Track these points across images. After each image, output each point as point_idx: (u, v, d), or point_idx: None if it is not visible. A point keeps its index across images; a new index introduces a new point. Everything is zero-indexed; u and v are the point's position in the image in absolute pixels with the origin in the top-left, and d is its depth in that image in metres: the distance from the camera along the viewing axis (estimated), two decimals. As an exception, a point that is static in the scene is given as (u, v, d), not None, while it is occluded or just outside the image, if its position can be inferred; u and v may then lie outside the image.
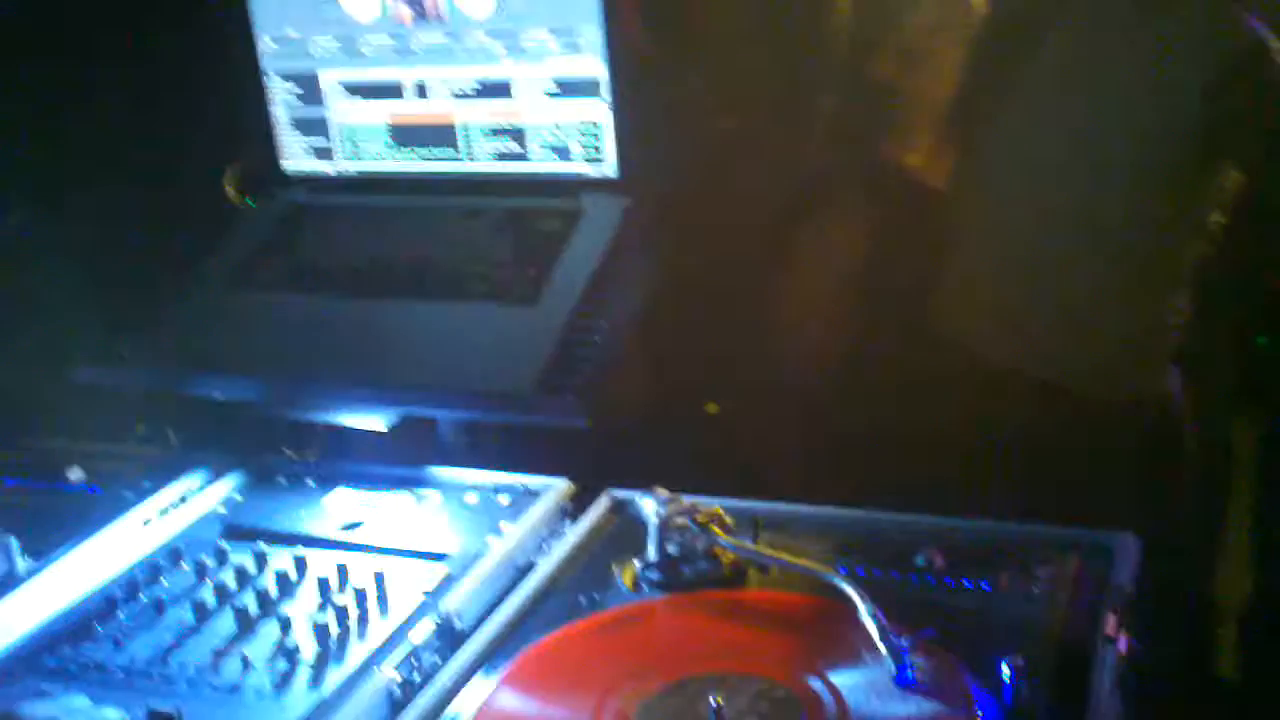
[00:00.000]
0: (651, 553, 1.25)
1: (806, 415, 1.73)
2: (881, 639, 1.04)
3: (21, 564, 1.34)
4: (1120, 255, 1.77)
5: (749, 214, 1.78)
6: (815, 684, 1.04)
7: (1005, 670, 0.99)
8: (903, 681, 1.01)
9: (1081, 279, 1.77)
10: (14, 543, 1.35)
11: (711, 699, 1.00)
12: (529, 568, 1.32)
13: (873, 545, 1.27)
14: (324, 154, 1.78)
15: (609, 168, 1.65)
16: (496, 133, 1.69)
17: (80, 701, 1.01)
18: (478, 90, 1.68)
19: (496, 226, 1.66)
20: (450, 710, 1.09)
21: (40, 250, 1.96)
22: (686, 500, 1.27)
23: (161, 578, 1.32)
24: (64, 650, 1.21)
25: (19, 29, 1.89)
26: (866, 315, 1.84)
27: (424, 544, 1.35)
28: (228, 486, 1.52)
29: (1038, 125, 1.82)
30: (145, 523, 1.44)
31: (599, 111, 1.63)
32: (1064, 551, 1.22)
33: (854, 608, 1.09)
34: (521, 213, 1.66)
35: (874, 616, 1.06)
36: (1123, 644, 1.06)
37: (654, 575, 1.24)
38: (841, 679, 1.04)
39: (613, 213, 1.63)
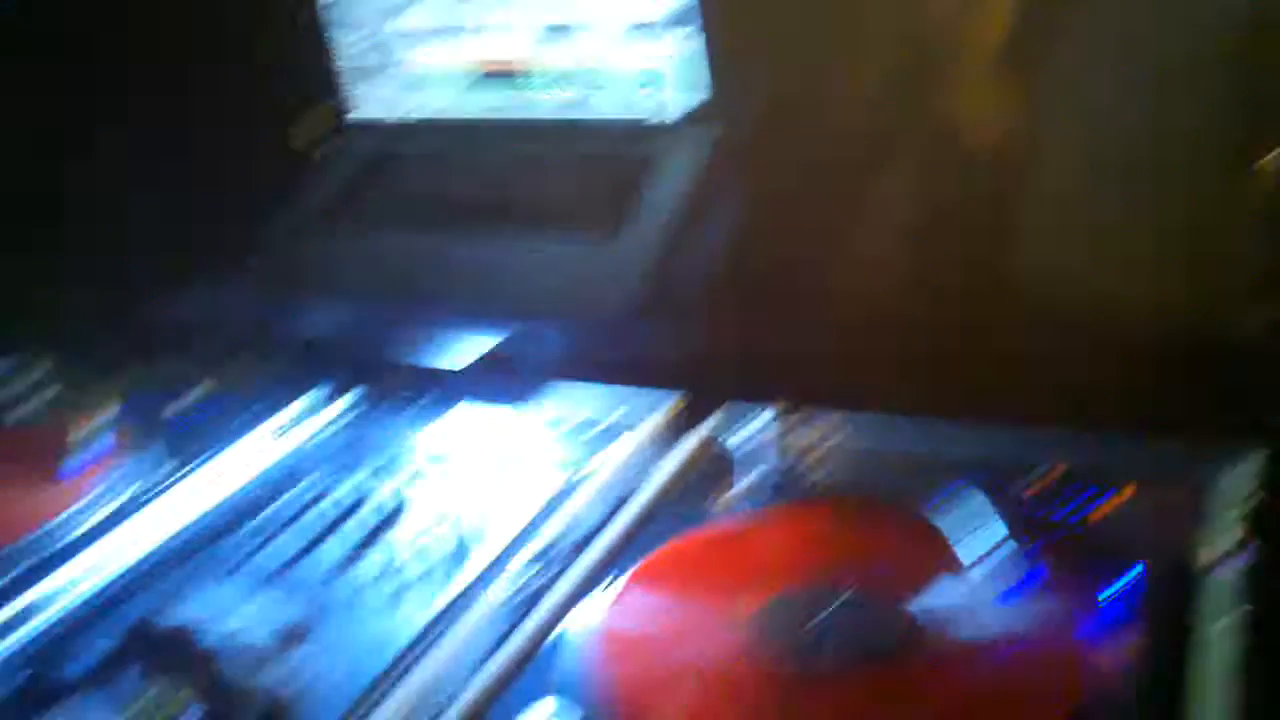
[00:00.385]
0: (753, 471, 1.29)
1: (901, 340, 1.74)
2: (990, 553, 1.06)
3: (148, 479, 1.40)
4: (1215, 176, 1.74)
5: (832, 148, 1.78)
6: (919, 600, 1.07)
7: (1119, 584, 1.01)
8: (1012, 595, 1.03)
9: (1179, 198, 1.75)
10: (141, 458, 1.41)
11: (822, 609, 1.04)
12: (631, 489, 1.36)
13: (982, 460, 1.28)
14: (395, 100, 1.80)
15: (692, 101, 1.66)
16: (573, 71, 1.70)
17: (217, 603, 1.06)
18: (551, 33, 1.69)
19: (577, 163, 1.67)
20: (567, 622, 1.13)
21: (144, 185, 2.02)
22: (792, 417, 1.30)
23: (278, 497, 1.37)
24: (195, 559, 1.27)
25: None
26: (955, 243, 1.83)
27: (527, 467, 1.40)
28: (335, 412, 1.57)
29: (1116, 50, 1.80)
30: (263, 442, 1.50)
31: (682, 44, 1.63)
32: (1185, 466, 1.21)
33: (956, 525, 1.12)
34: (604, 147, 1.68)
35: (978, 532, 1.09)
36: (1245, 558, 1.06)
37: (755, 493, 1.28)
38: (945, 595, 1.07)
39: (697, 146, 1.64)
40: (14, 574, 1.24)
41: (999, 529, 1.10)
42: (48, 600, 1.22)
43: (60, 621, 1.19)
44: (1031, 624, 1.02)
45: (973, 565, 1.07)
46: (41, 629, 1.18)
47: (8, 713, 1.09)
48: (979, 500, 1.22)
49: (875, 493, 1.25)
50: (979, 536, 1.09)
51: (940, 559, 1.11)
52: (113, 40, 1.97)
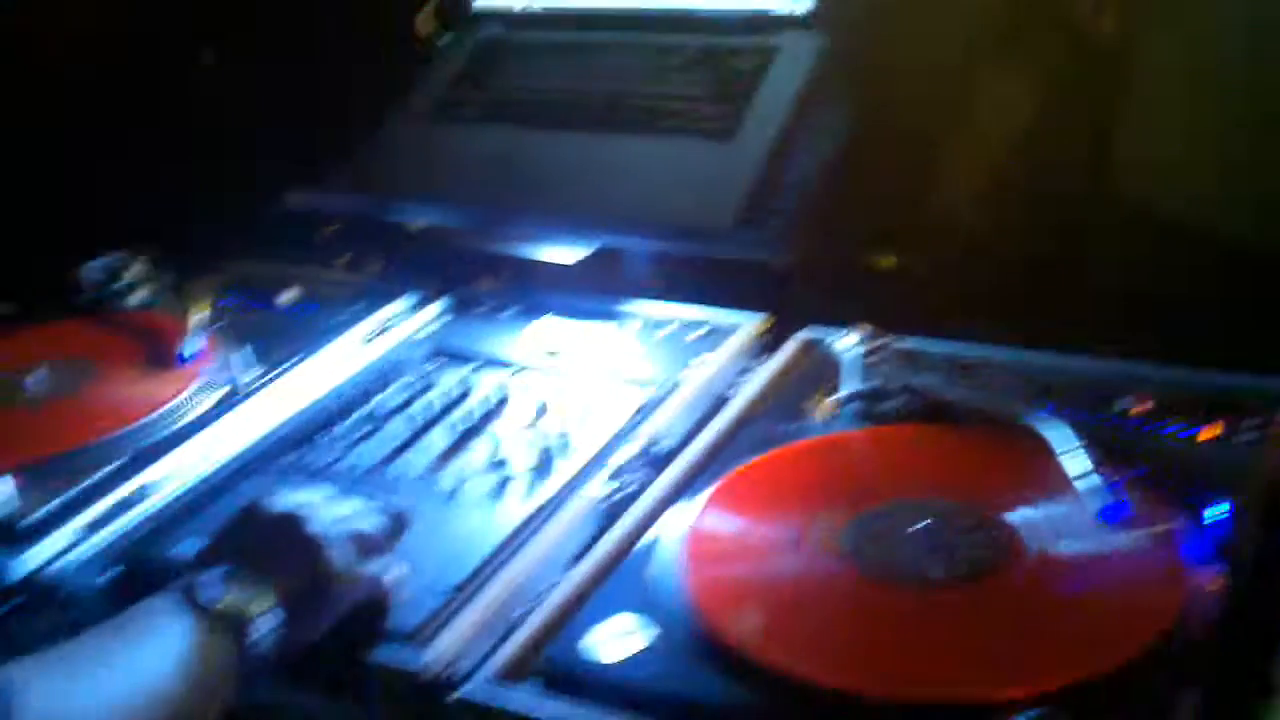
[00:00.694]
0: (849, 387, 1.28)
1: (1000, 262, 1.72)
2: (1083, 476, 1.06)
3: (248, 375, 1.43)
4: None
5: (943, 56, 1.75)
6: (1014, 515, 1.07)
7: (1213, 512, 1.00)
8: (1106, 518, 1.03)
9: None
10: (241, 355, 1.44)
11: (916, 522, 1.04)
12: (725, 399, 1.37)
13: (1072, 389, 1.27)
14: (516, -10, 1.81)
15: (807, 4, 1.64)
16: (691, -34, 1.69)
17: (320, 494, 1.08)
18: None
19: (693, 62, 1.66)
20: (655, 529, 1.14)
21: (245, 84, 2.03)
22: (883, 338, 1.30)
23: (378, 393, 1.40)
24: (294, 455, 1.30)
25: None
26: (1059, 164, 1.80)
27: (623, 372, 1.41)
28: (434, 311, 1.59)
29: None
30: (360, 343, 1.52)
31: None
32: (1273, 400, 1.20)
33: (1053, 447, 1.11)
34: (718, 48, 1.66)
35: (1076, 454, 1.08)
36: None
37: (850, 409, 1.28)
38: (1041, 512, 1.07)
39: (810, 50, 1.62)
40: (118, 462, 1.28)
41: (1097, 451, 1.09)
42: (147, 491, 1.25)
43: (156, 515, 1.22)
44: (1127, 545, 1.02)
45: (1071, 484, 1.07)
46: (138, 521, 1.22)
47: (102, 604, 1.12)
48: (1077, 422, 1.21)
49: (972, 414, 1.25)
50: (1078, 457, 1.08)
51: (1039, 477, 1.10)
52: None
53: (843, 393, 1.29)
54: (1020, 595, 0.99)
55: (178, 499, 1.24)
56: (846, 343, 1.30)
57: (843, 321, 1.33)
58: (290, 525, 1.01)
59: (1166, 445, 1.18)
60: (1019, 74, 1.82)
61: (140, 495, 1.24)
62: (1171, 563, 0.99)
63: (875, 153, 1.64)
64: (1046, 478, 1.10)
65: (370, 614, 1.03)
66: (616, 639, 0.99)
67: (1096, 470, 1.06)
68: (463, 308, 1.60)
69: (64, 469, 1.26)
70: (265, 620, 0.95)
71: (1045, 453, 1.11)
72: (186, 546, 1.15)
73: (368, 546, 1.03)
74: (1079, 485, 1.06)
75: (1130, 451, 1.15)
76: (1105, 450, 1.10)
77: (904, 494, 1.11)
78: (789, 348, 1.42)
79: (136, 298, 1.63)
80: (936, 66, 1.74)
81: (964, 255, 1.62)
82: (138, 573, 1.13)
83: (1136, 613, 0.94)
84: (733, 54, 1.66)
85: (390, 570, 1.05)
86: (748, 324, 1.47)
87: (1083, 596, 0.98)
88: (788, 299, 1.52)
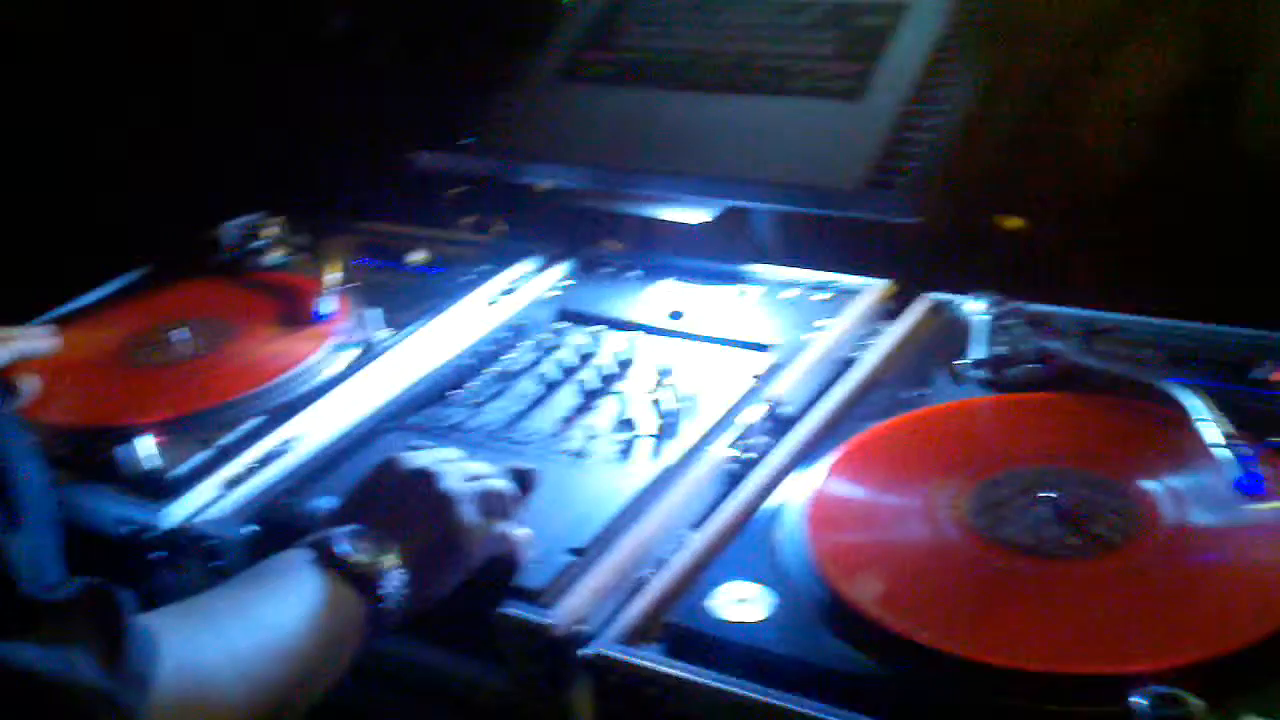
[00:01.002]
0: (978, 352, 1.27)
1: (1131, 230, 1.68)
2: (1219, 445, 1.04)
3: (381, 334, 1.47)
4: None
5: (1076, 17, 1.71)
6: (1150, 485, 1.05)
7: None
8: (1244, 486, 1.01)
9: None
10: (373, 314, 1.48)
11: (1046, 490, 1.03)
12: (850, 362, 1.36)
13: (1206, 357, 1.25)
14: (644, -51, 1.80)
15: (936, -37, 1.61)
16: (820, -75, 1.67)
17: (452, 452, 1.11)
18: (802, -118, 1.66)
19: (820, 21, 1.64)
20: (779, 493, 1.15)
21: (374, 47, 2.07)
22: (1012, 303, 1.28)
23: (506, 353, 1.42)
24: (426, 413, 1.33)
25: None
26: (1190, 129, 1.75)
27: (747, 335, 1.41)
28: (559, 273, 1.60)
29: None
30: (488, 303, 1.54)
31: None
32: None
33: (1188, 415, 1.09)
34: (847, 7, 1.64)
35: (1212, 421, 1.06)
36: None
37: (980, 374, 1.26)
38: (1178, 482, 1.05)
39: (939, 8, 1.59)
40: (256, 420, 1.32)
41: (1233, 420, 1.06)
42: (284, 447, 1.29)
43: (293, 471, 1.26)
44: (1263, 517, 1.00)
45: (1206, 454, 1.04)
46: (276, 477, 1.26)
47: (241, 556, 1.16)
48: (1212, 390, 1.18)
49: (1104, 381, 1.23)
50: (1213, 426, 1.06)
51: (1173, 445, 1.08)
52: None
53: (970, 358, 1.28)
54: (1152, 567, 0.97)
55: (313, 455, 1.28)
56: (974, 307, 1.29)
57: (970, 286, 1.31)
58: (421, 483, 1.04)
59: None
60: (1152, 37, 1.76)
61: (277, 452, 1.28)
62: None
63: (1005, 115, 1.61)
64: (1181, 447, 1.08)
65: (498, 571, 1.05)
66: (740, 603, 0.99)
67: (1232, 439, 1.04)
68: (589, 269, 1.61)
69: (205, 425, 1.31)
70: (395, 576, 0.98)
71: (1179, 421, 1.09)
72: (321, 502, 1.18)
73: (497, 505, 1.06)
74: (1215, 454, 1.04)
75: (1267, 421, 1.11)
76: (1241, 419, 1.08)
77: (1032, 461, 1.10)
78: (915, 311, 1.41)
79: (272, 258, 1.68)
80: (1069, 28, 1.70)
81: (1094, 221, 1.58)
82: (274, 527, 1.17)
83: (1271, 588, 0.92)
84: (862, 12, 1.64)
85: (518, 529, 1.07)
86: (874, 287, 1.46)
87: (1216, 570, 0.96)
88: (915, 262, 1.50)
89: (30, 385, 1.38)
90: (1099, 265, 1.55)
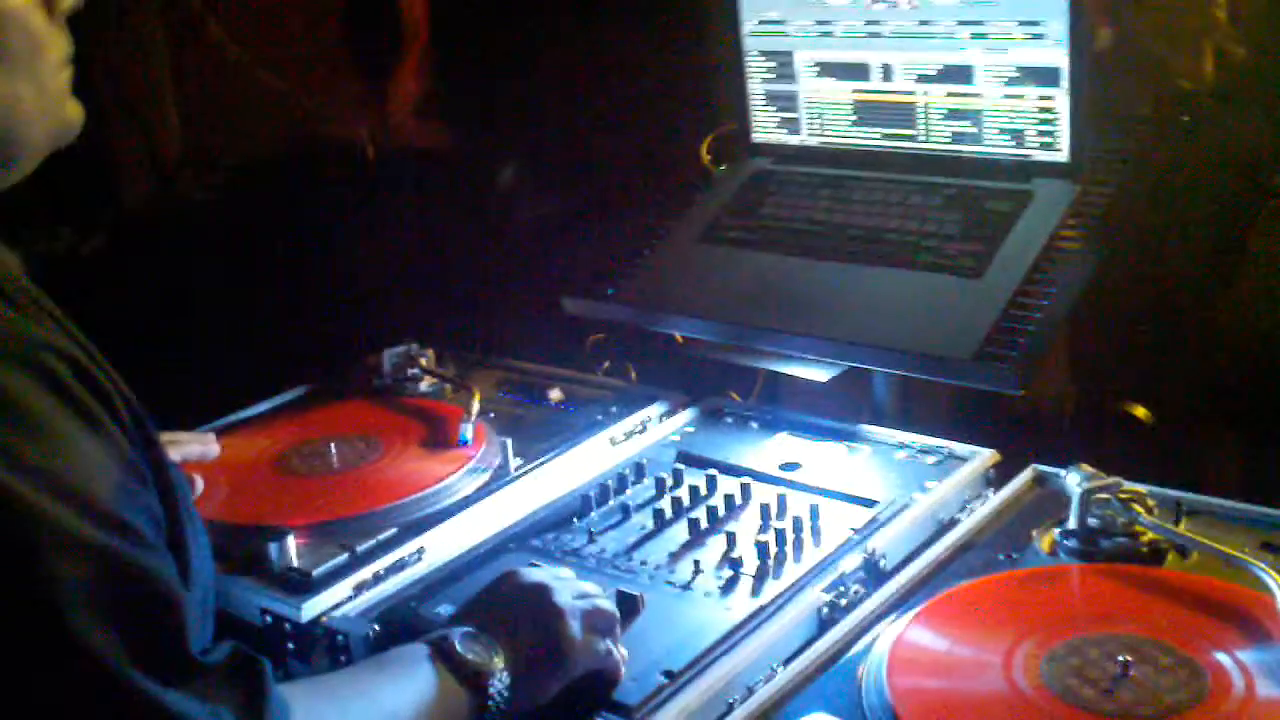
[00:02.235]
0: (1072, 522, 1.32)
1: (1233, 422, 1.72)
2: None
3: (513, 462, 1.58)
4: None
5: (1194, 214, 1.78)
6: (1223, 658, 1.09)
7: None
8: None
9: None
10: (508, 444, 1.59)
11: (1121, 656, 1.08)
12: (951, 524, 1.43)
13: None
14: (791, 127, 1.93)
15: (1062, 155, 1.70)
16: (954, 115, 1.78)
17: (566, 572, 1.21)
18: (940, 74, 1.78)
19: (948, 203, 1.75)
20: (870, 637, 1.21)
21: (539, 198, 2.24)
22: (1110, 478, 1.34)
23: (627, 488, 1.52)
24: (547, 536, 1.43)
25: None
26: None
27: (854, 489, 1.48)
28: (683, 419, 1.71)
29: None
30: (613, 442, 1.65)
31: (1056, 100, 1.68)
32: None
33: (1273, 598, 1.13)
34: (972, 192, 1.74)
35: (1295, 602, 1.10)
36: None
37: (1073, 544, 1.31)
38: (1251, 658, 1.08)
39: (1062, 198, 1.68)
40: (392, 530, 1.44)
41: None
42: (415, 557, 1.40)
43: (421, 580, 1.37)
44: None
45: (1276, 638, 1.08)
46: (405, 584, 1.36)
47: (364, 652, 1.26)
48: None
49: (1183, 564, 1.28)
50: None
51: (1254, 623, 1.12)
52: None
53: (1066, 527, 1.33)
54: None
55: (438, 567, 1.39)
56: (1075, 479, 1.34)
57: (1073, 460, 1.37)
58: (535, 595, 1.13)
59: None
60: (1261, 237, 1.82)
61: (407, 561, 1.39)
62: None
63: (1120, 303, 1.68)
64: (1264, 628, 1.12)
65: (596, 686, 1.14)
66: (819, 735, 1.06)
67: (1310, 622, 1.08)
68: (708, 418, 1.71)
69: (345, 531, 1.43)
70: (502, 678, 1.07)
71: (1265, 604, 1.13)
72: (442, 609, 1.29)
73: (602, 623, 1.14)
74: (1292, 634, 1.08)
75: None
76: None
77: (1114, 629, 1.14)
78: (1019, 480, 1.47)
79: (423, 385, 1.82)
80: (1189, 226, 1.77)
81: (1199, 410, 1.63)
82: (397, 629, 1.27)
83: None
84: (988, 196, 1.74)
85: (619, 647, 1.15)
86: (981, 455, 1.52)
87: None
88: (1020, 435, 1.57)
89: (197, 484, 1.53)
90: (1202, 450, 1.59)
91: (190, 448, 1.57)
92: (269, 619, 1.32)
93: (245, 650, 0.92)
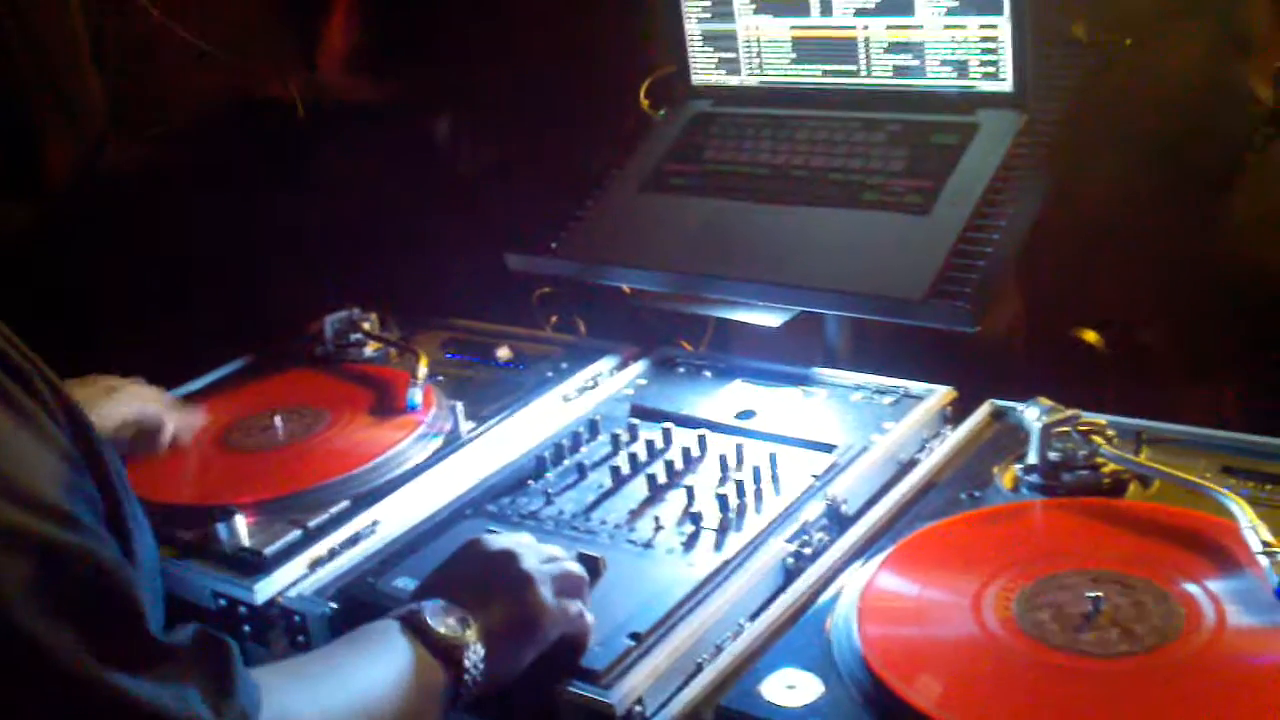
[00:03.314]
0: (1033, 457, 1.31)
1: (1183, 342, 1.72)
2: (1263, 550, 1.07)
3: (464, 425, 1.55)
4: None
5: (1141, 140, 1.76)
6: (1192, 589, 1.08)
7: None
8: (1281, 594, 1.04)
9: None
10: (458, 407, 1.56)
11: (1090, 591, 1.07)
12: (911, 464, 1.41)
13: (1257, 468, 1.28)
14: (731, 67, 1.89)
15: (1006, 84, 1.68)
16: (895, 48, 1.74)
17: (526, 538, 1.18)
18: (879, 6, 1.74)
19: (892, 139, 1.72)
20: (836, 584, 1.19)
21: (471, 153, 2.19)
22: (1068, 410, 1.32)
23: (582, 446, 1.49)
24: (503, 501, 1.40)
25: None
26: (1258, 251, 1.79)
27: (812, 435, 1.46)
28: (635, 372, 1.68)
29: None
30: (565, 399, 1.62)
31: (998, 28, 1.65)
32: None
33: (1236, 522, 1.12)
34: (917, 126, 1.71)
35: (1256, 528, 1.09)
36: None
37: (1034, 479, 1.30)
38: (1219, 587, 1.08)
39: (1008, 128, 1.66)
40: (344, 503, 1.40)
41: (1263, 528, 1.10)
42: (369, 530, 1.37)
43: (376, 553, 1.34)
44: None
45: (1252, 559, 1.08)
46: (360, 558, 1.33)
47: (324, 631, 1.24)
48: (1260, 498, 1.22)
49: (1145, 493, 1.27)
50: (1258, 532, 1.09)
51: (1219, 551, 1.12)
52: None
53: (1026, 463, 1.32)
54: (1190, 668, 1.00)
55: (394, 539, 1.36)
56: (1034, 414, 1.33)
57: (1025, 396, 1.36)
58: (503, 562, 1.10)
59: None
60: (1214, 155, 1.80)
61: (361, 534, 1.36)
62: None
63: (1069, 231, 1.66)
64: (1228, 554, 1.11)
65: (563, 651, 1.11)
66: (789, 689, 1.04)
67: (1277, 546, 1.07)
68: (661, 370, 1.68)
69: (295, 507, 1.39)
70: (477, 649, 1.04)
71: (1228, 530, 1.13)
72: (400, 583, 1.26)
73: (571, 586, 1.12)
74: (1260, 561, 1.07)
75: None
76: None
77: (1081, 564, 1.13)
78: (976, 417, 1.46)
79: (367, 351, 1.77)
80: (1133, 147, 1.75)
81: (1154, 336, 1.62)
82: (355, 605, 1.24)
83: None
84: (934, 130, 1.71)
85: (586, 612, 1.13)
86: (937, 393, 1.51)
87: (1251, 671, 0.99)
88: (977, 370, 1.55)
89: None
90: (1159, 377, 1.58)
91: (178, 416, 1.54)
92: (223, 602, 1.29)
93: (211, 631, 0.89)
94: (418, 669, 1.01)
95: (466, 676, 1.03)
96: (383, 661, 1.00)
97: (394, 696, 0.98)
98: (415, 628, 1.03)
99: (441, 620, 1.04)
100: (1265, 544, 1.07)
